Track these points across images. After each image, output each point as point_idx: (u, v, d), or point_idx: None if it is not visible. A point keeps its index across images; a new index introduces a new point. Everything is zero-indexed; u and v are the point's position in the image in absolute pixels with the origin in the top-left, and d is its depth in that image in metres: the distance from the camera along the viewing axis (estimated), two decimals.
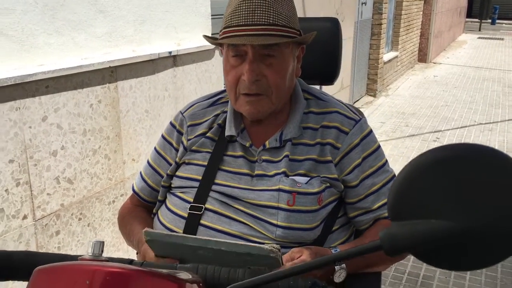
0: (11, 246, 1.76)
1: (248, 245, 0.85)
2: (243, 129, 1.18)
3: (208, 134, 1.19)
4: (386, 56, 7.65)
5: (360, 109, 1.43)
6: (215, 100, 1.26)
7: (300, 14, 3.74)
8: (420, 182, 0.60)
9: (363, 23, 6.43)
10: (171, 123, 1.27)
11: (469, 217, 0.57)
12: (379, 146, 1.20)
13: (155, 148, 1.29)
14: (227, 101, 1.21)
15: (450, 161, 0.59)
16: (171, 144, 1.25)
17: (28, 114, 1.76)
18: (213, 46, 2.62)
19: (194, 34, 2.66)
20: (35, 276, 0.65)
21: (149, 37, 2.35)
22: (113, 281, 0.61)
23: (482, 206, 0.57)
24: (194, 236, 0.93)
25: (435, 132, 5.49)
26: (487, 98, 7.21)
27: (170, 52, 2.43)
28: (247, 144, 1.16)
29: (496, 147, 4.95)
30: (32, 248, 1.85)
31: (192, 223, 1.13)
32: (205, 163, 1.16)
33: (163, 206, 1.22)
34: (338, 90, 5.23)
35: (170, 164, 1.24)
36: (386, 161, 1.20)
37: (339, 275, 1.00)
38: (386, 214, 1.14)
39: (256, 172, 1.13)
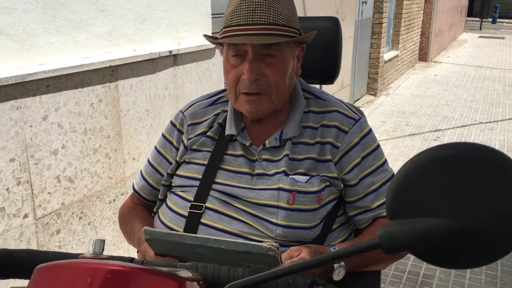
0: (12, 244, 1.77)
1: (247, 243, 0.85)
2: (243, 128, 1.19)
3: (208, 133, 1.20)
4: (387, 55, 7.64)
5: (361, 108, 1.43)
6: (216, 99, 1.26)
7: (300, 13, 3.75)
8: (418, 180, 0.60)
9: (363, 22, 6.43)
10: (171, 122, 1.28)
11: (467, 216, 0.58)
12: (378, 145, 1.20)
13: (155, 147, 1.30)
14: (228, 100, 1.22)
15: (448, 160, 0.59)
16: (171, 143, 1.26)
17: (29, 113, 1.77)
18: (213, 45, 2.62)
19: (194, 33, 2.66)
20: (37, 274, 0.66)
21: (149, 36, 2.35)
22: (114, 279, 0.62)
23: (480, 205, 0.57)
24: (194, 235, 0.94)
25: (435, 131, 5.50)
26: (488, 97, 7.21)
27: (170, 51, 2.43)
28: (247, 143, 1.16)
29: (497, 146, 4.96)
30: (33, 247, 1.85)
31: (193, 222, 1.13)
32: (206, 162, 1.17)
33: (164, 205, 1.22)
34: (338, 89, 5.23)
35: (171, 163, 1.24)
36: (386, 160, 1.21)
37: (338, 274, 1.01)
38: (385, 213, 1.15)
39: (256, 171, 1.14)
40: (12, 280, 0.86)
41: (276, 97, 1.12)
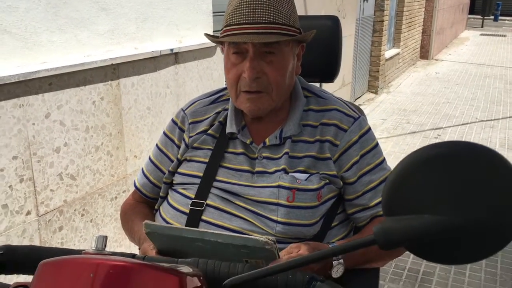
0: (15, 241, 1.78)
1: (243, 237, 0.87)
2: (244, 126, 1.20)
3: (209, 131, 1.21)
4: (388, 53, 7.64)
5: (362, 106, 1.45)
6: (216, 97, 1.28)
7: (301, 11, 3.75)
8: (413, 178, 0.61)
9: (364, 20, 6.42)
10: (172, 120, 1.29)
11: (461, 212, 0.59)
12: (377, 144, 1.21)
13: (156, 144, 1.31)
14: (228, 99, 1.23)
15: (443, 158, 0.60)
16: (172, 141, 1.27)
17: (31, 111, 1.78)
18: (214, 44, 2.63)
19: (195, 32, 2.67)
20: (40, 270, 0.67)
21: (151, 34, 2.36)
22: (116, 274, 0.63)
23: (474, 202, 0.59)
24: (192, 228, 0.95)
25: (436, 129, 5.50)
26: (489, 95, 7.20)
27: (171, 50, 2.44)
28: (248, 141, 1.17)
29: (497, 144, 4.96)
30: (36, 243, 1.87)
31: (194, 219, 1.14)
32: (206, 160, 1.18)
33: (165, 202, 1.24)
34: (339, 87, 5.23)
35: (172, 161, 1.25)
36: (384, 158, 1.21)
37: (337, 271, 1.02)
38: None
39: (257, 169, 1.15)
40: (15, 275, 0.87)
41: (276, 95, 1.13)
